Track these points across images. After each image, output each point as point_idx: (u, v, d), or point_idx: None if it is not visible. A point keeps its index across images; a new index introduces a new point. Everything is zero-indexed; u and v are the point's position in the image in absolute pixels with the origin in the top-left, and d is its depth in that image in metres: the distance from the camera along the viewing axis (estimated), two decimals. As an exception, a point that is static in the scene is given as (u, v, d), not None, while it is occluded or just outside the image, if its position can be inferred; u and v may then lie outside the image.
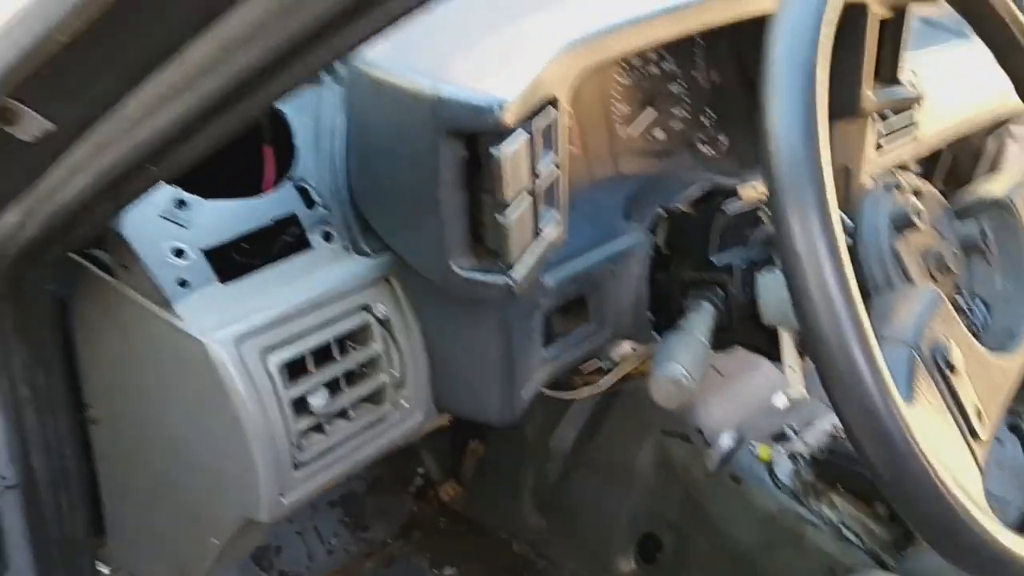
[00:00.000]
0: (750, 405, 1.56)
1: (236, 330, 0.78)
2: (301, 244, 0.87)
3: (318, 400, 0.81)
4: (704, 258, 0.96)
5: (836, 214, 0.65)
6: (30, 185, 0.68)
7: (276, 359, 0.80)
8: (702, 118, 1.24)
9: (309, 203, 0.89)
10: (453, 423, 1.23)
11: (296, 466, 0.82)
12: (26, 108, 0.62)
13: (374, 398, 0.88)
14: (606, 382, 1.23)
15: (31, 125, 0.63)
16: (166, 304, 0.78)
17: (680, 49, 1.22)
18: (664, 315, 1.00)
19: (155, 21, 0.53)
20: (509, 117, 0.71)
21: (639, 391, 1.45)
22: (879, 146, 1.35)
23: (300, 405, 0.81)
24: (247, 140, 0.92)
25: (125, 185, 0.64)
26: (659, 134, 1.20)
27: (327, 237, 0.89)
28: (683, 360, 0.81)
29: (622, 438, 1.61)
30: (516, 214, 0.74)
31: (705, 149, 1.20)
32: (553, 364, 0.96)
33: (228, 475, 0.82)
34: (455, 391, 0.91)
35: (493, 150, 0.71)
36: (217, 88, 0.55)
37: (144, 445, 0.91)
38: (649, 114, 1.18)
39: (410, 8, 0.50)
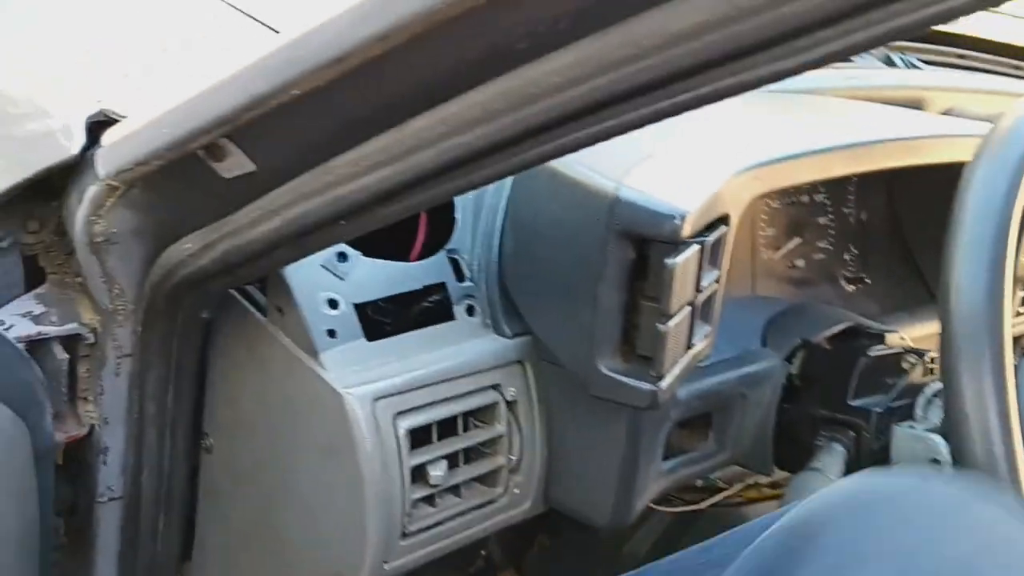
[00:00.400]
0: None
1: (375, 389, 0.79)
2: (443, 313, 0.88)
3: (437, 471, 0.81)
4: (840, 398, 0.94)
5: (1012, 380, 0.64)
6: (217, 220, 0.70)
7: (406, 424, 0.80)
8: (845, 255, 1.23)
9: (459, 276, 0.90)
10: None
11: (404, 535, 0.81)
12: (235, 147, 0.64)
13: (488, 479, 0.88)
14: (707, 502, 1.20)
15: (235, 164, 0.66)
16: (313, 352, 0.80)
17: (834, 183, 1.21)
18: (786, 448, 0.98)
19: (387, 93, 0.55)
20: (687, 228, 0.71)
21: (727, 513, 1.43)
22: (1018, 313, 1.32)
23: (418, 473, 0.81)
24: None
25: (312, 237, 0.66)
26: (800, 263, 1.19)
27: (470, 311, 0.90)
28: (817, 502, 0.79)
29: (700, 558, 1.57)
30: (675, 324, 0.74)
31: (847, 286, 1.19)
32: (668, 478, 0.94)
33: (335, 530, 0.82)
34: (569, 487, 0.90)
35: (668, 260, 0.71)
36: (430, 163, 0.56)
37: (252, 483, 0.92)
38: (794, 242, 1.17)
39: (635, 123, 0.51)
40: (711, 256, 0.78)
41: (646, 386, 0.76)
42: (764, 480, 1.13)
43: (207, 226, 0.72)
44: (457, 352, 0.86)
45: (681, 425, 0.96)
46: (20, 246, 0.91)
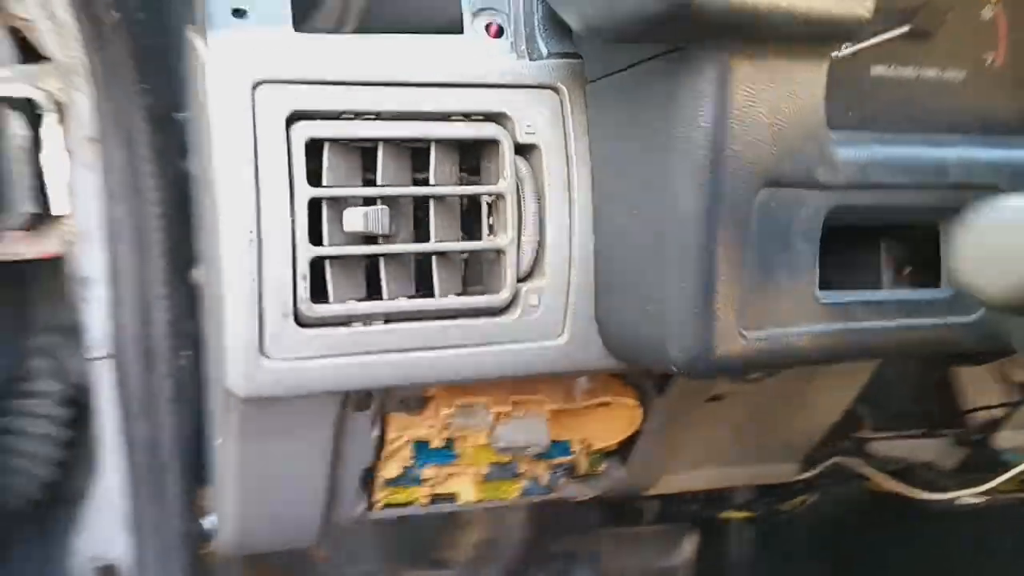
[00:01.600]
0: None
1: (262, 70, 0.48)
2: (442, 23, 0.56)
3: (354, 219, 0.48)
4: None
5: None
6: None
7: (306, 132, 0.48)
8: None
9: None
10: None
11: (302, 323, 0.48)
12: None
13: (478, 273, 0.52)
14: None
15: None
16: (202, 30, 0.52)
17: None
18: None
19: None
20: None
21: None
22: None
23: (323, 220, 0.48)
24: None
25: None
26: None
27: (498, 33, 0.56)
28: None
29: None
30: None
31: None
32: (825, 316, 0.50)
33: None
34: (624, 299, 0.51)
35: None
36: None
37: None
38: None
39: None
40: None
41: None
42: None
43: None
44: (444, 59, 0.52)
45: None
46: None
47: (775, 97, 0.45)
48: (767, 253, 0.47)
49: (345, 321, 0.49)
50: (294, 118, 0.48)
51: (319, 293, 0.49)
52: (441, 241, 0.50)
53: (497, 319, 0.52)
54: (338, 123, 0.49)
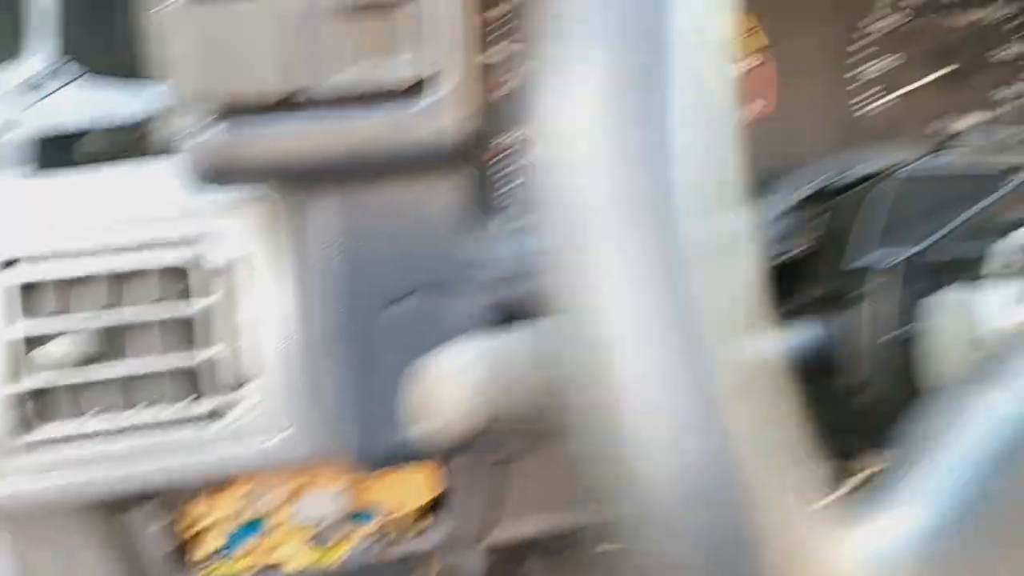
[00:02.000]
0: None
1: None
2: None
3: (56, 350, 0.53)
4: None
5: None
6: None
7: (12, 278, 0.54)
8: None
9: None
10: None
11: (9, 448, 0.54)
12: None
13: (198, 384, 0.57)
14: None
15: None
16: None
17: None
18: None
19: None
20: None
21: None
22: None
23: (28, 354, 0.54)
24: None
25: None
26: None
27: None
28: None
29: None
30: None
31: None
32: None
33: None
34: (316, 398, 0.55)
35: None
36: None
37: None
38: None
39: None
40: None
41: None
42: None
43: None
44: (150, 189, 0.57)
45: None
46: None
47: (387, 216, 0.48)
48: (418, 353, 0.51)
49: (53, 442, 0.55)
50: (3, 265, 0.54)
51: (36, 417, 0.55)
52: (138, 360, 0.56)
53: (217, 423, 0.56)
54: (43, 265, 0.54)
